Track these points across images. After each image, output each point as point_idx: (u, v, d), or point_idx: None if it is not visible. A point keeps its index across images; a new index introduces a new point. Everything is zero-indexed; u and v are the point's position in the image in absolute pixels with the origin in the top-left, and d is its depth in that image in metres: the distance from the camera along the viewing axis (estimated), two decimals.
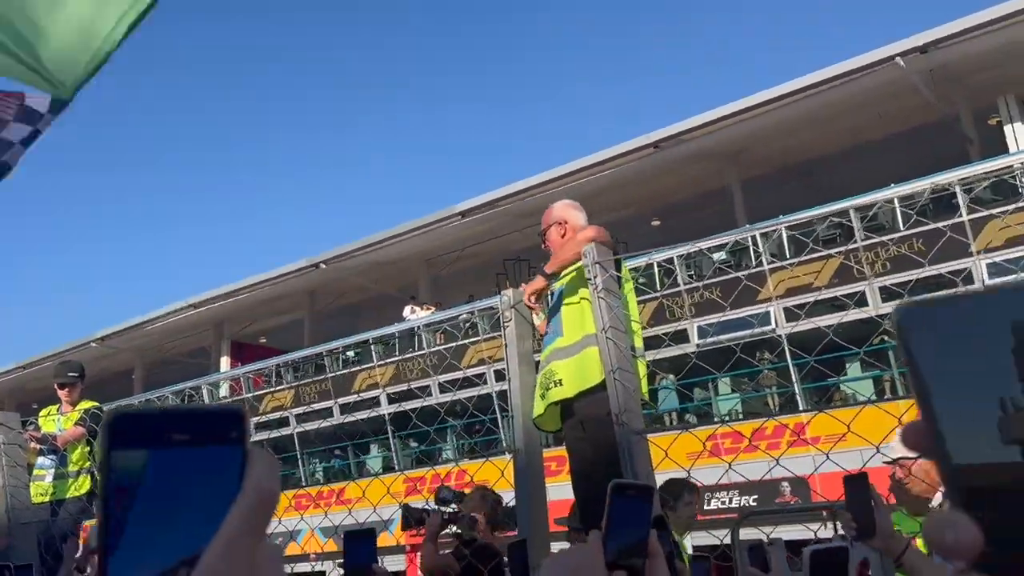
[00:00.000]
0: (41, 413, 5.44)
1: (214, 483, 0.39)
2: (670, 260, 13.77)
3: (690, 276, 13.95)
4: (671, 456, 2.51)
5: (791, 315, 12.18)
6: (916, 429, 0.41)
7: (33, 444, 4.91)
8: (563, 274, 3.06)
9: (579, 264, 2.88)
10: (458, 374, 15.37)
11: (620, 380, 2.48)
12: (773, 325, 12.44)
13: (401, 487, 12.10)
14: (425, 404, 15.29)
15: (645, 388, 2.92)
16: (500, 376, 13.65)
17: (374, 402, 16.77)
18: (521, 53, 53.77)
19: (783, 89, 14.26)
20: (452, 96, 55.17)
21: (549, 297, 3.21)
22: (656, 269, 13.97)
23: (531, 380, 2.98)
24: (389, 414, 16.53)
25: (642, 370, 2.85)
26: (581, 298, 3.00)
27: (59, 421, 5.23)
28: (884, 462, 2.50)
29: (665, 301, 13.56)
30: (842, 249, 12.22)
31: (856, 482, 1.77)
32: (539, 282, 3.04)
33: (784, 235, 12.96)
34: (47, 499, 4.99)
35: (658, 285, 13.84)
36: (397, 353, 17.31)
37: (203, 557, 0.37)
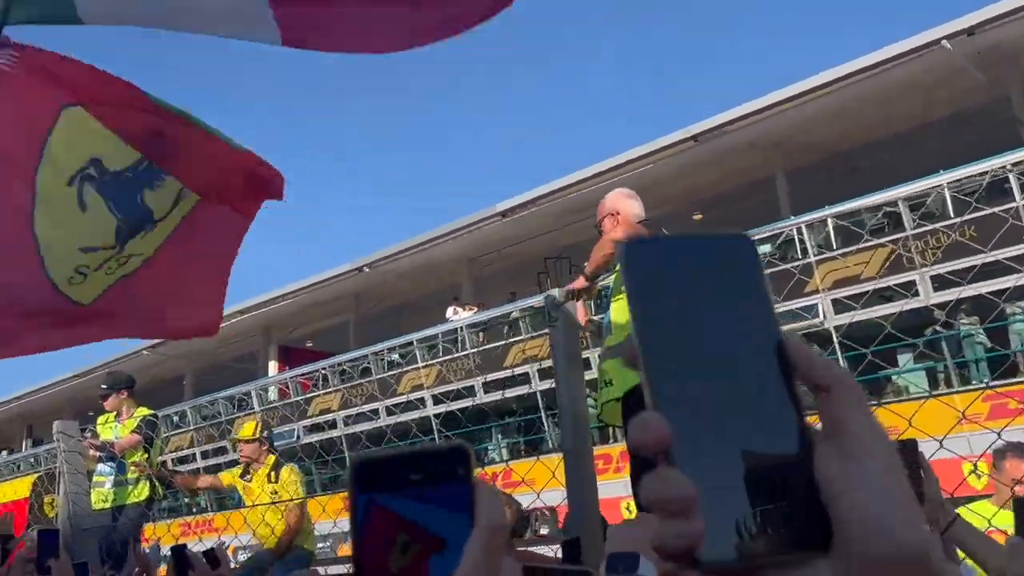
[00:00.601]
0: (99, 420, 5.58)
1: (448, 518, 0.42)
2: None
3: None
4: None
5: (839, 307, 11.95)
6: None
7: (92, 451, 5.03)
8: (615, 267, 3.03)
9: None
10: (502, 373, 15.39)
11: None
12: (821, 317, 12.22)
13: None
14: (470, 405, 15.34)
15: None
16: (544, 375, 13.63)
17: (419, 403, 16.88)
18: (552, 52, 53.67)
19: (827, 77, 13.99)
20: (489, 95, 55.28)
21: (604, 293, 3.19)
22: None
23: (579, 379, 2.95)
24: (435, 415, 16.61)
25: None
26: (625, 297, 2.97)
27: (116, 429, 5.35)
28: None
29: None
30: (891, 238, 11.94)
31: (905, 449, 1.71)
32: (579, 282, 3.03)
33: (831, 225, 12.71)
34: (108, 506, 5.11)
35: None
36: (441, 354, 17.39)
37: None
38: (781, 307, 12.38)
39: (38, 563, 1.94)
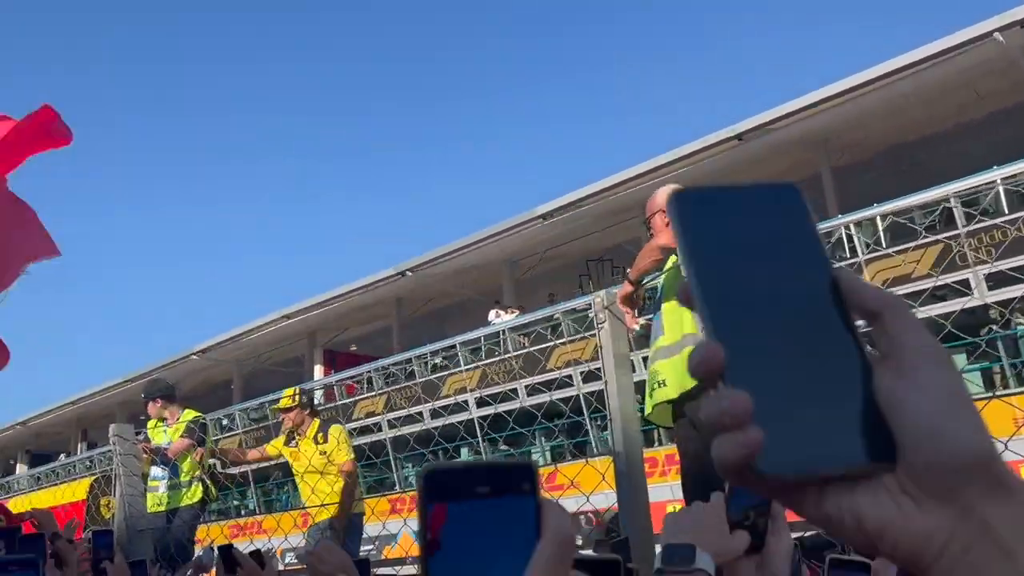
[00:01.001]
0: (148, 425, 5.69)
1: (513, 531, 0.43)
2: None
3: None
4: None
5: None
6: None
7: (146, 454, 5.14)
8: (664, 269, 3.00)
9: (673, 261, 2.81)
10: (546, 376, 15.36)
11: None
12: None
13: None
14: (514, 407, 15.34)
15: None
16: (588, 377, 13.58)
17: (463, 406, 16.94)
18: (599, 52, 53.49)
19: (875, 72, 13.72)
20: (529, 95, 55.32)
21: (654, 293, 3.16)
22: None
23: (628, 381, 2.93)
24: (479, 417, 16.65)
25: None
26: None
27: (166, 433, 5.46)
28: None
29: None
30: (943, 236, 11.66)
31: None
32: (626, 288, 2.99)
33: (880, 223, 12.46)
34: (163, 509, 5.21)
35: None
36: (483, 357, 17.43)
37: None
38: None
39: (93, 563, 1.97)
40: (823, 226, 13.02)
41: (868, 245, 12.49)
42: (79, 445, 28.52)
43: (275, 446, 5.40)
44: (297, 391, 5.40)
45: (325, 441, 5.15)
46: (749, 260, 0.44)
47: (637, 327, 3.02)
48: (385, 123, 56.82)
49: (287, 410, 5.25)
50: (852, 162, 15.92)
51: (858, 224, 12.56)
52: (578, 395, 14.14)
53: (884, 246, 12.29)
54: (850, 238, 12.68)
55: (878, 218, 12.37)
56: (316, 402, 19.88)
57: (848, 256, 12.53)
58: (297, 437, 5.24)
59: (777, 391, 0.41)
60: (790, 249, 0.45)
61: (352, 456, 5.15)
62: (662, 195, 3.37)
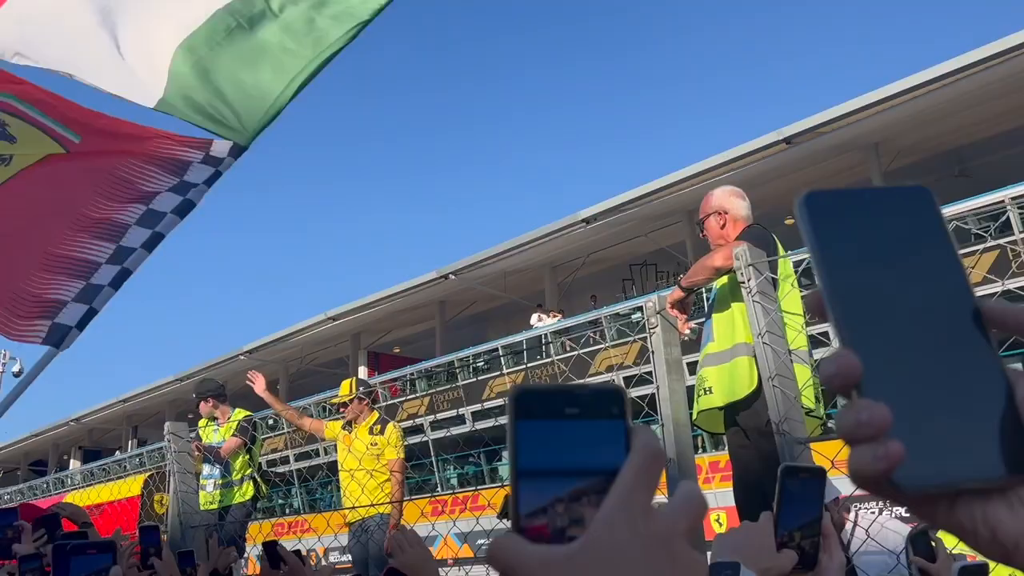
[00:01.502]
0: (200, 424, 5.77)
1: (603, 450, 0.43)
2: (804, 259, 13.20)
3: None
4: (838, 465, 2.37)
5: None
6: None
7: (197, 453, 5.22)
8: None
9: (729, 269, 2.79)
10: (590, 380, 15.28)
11: (779, 387, 2.38)
12: None
13: None
14: None
15: (811, 393, 2.75)
16: (628, 382, 13.48)
17: (504, 410, 16.94)
18: (641, 50, 53.20)
19: (927, 75, 13.39)
20: (571, 98, 55.22)
21: (706, 297, 3.12)
22: (792, 270, 13.42)
23: (680, 387, 2.90)
24: None
25: (805, 374, 2.69)
26: (733, 303, 2.90)
27: (218, 432, 5.54)
28: None
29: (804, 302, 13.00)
30: (998, 242, 11.34)
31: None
32: (676, 293, 2.96)
33: None
34: (215, 506, 5.29)
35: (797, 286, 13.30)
36: (525, 360, 17.43)
37: (603, 505, 0.41)
38: None
39: (141, 558, 2.01)
40: None
41: None
42: (130, 442, 29.18)
43: (332, 428, 5.41)
44: (353, 383, 5.37)
45: (380, 433, 5.16)
46: (882, 266, 0.43)
47: (689, 332, 3.00)
48: (433, 130, 57.23)
49: (345, 405, 5.26)
50: (903, 166, 15.58)
51: None
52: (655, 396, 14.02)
53: None
54: None
55: None
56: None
57: None
58: (354, 425, 5.25)
59: (914, 402, 0.40)
60: (923, 254, 0.44)
61: (402, 456, 5.16)
62: (717, 196, 3.30)
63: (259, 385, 5.33)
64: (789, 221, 18.61)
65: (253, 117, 2.48)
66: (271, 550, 2.11)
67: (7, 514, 2.14)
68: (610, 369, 14.97)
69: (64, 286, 2.60)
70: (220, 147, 2.62)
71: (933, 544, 1.69)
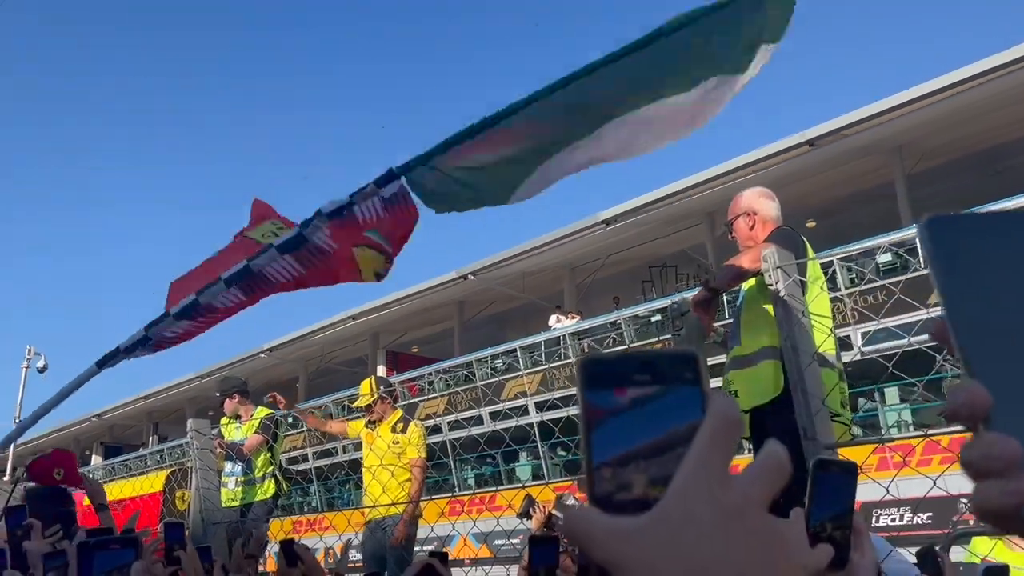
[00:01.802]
0: (222, 421, 5.80)
1: (677, 417, 0.41)
2: (829, 263, 13.09)
3: (851, 280, 13.22)
4: (865, 471, 2.34)
5: None
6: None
7: (219, 450, 5.26)
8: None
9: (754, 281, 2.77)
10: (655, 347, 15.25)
11: (805, 391, 2.36)
12: None
13: (550, 496, 12.10)
14: (572, 413, 15.26)
15: (837, 397, 2.72)
16: None
17: (522, 410, 16.94)
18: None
19: (952, 77, 13.25)
20: None
21: (732, 300, 3.10)
22: None
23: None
24: (537, 422, 16.64)
25: (832, 379, 2.66)
26: (760, 306, 2.87)
27: (240, 430, 5.57)
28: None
29: None
30: None
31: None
32: (702, 294, 2.94)
33: None
34: (237, 503, 5.32)
35: None
36: (544, 361, 17.42)
37: (677, 474, 0.40)
38: (903, 320, 11.77)
39: (166, 553, 2.03)
40: (897, 235, 12.67)
41: None
42: (151, 438, 29.45)
43: (355, 427, 5.42)
44: (373, 382, 5.36)
45: (403, 432, 5.15)
46: (1010, 295, 0.42)
47: (715, 335, 2.97)
48: (450, 124, 57.35)
49: (368, 407, 5.25)
50: (928, 168, 15.42)
51: None
52: None
53: None
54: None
55: None
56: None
57: (922, 267, 12.11)
58: (376, 424, 5.25)
59: None
60: None
61: (424, 455, 5.15)
62: (747, 197, 3.27)
63: (282, 407, 5.39)
64: (811, 224, 18.49)
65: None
66: (288, 548, 2.12)
67: (18, 513, 2.15)
68: None
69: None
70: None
71: (940, 560, 1.67)
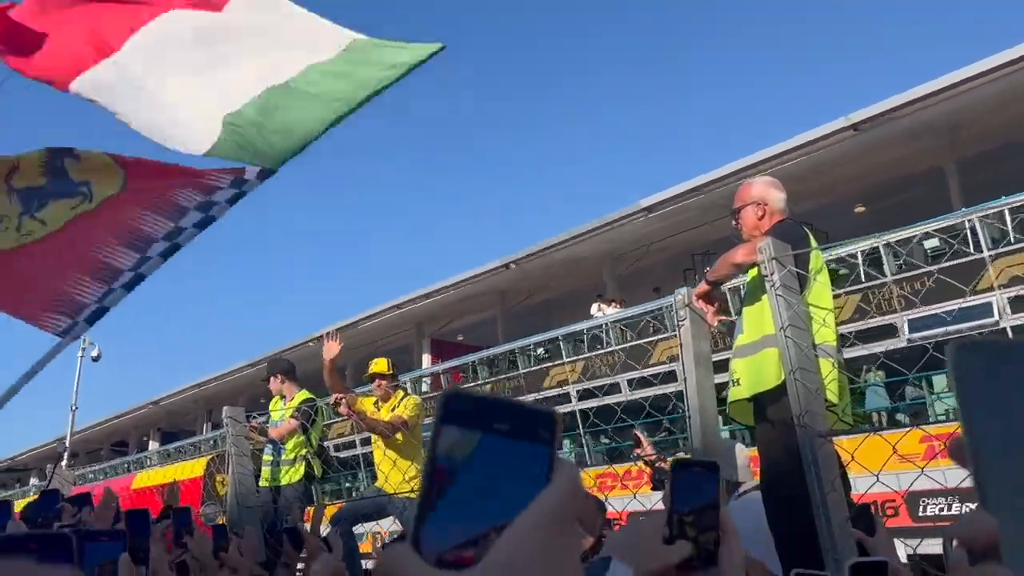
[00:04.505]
0: (271, 404, 6.01)
1: (523, 474, 0.41)
2: (875, 249, 12.83)
3: (899, 266, 12.94)
4: (858, 460, 2.36)
5: (1017, 305, 10.98)
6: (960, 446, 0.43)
7: (253, 433, 5.44)
8: (748, 273, 2.95)
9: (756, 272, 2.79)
10: (646, 371, 15.22)
11: (801, 381, 2.38)
12: (996, 317, 11.26)
13: (593, 482, 12.13)
14: (614, 401, 15.26)
15: (835, 388, 2.73)
16: None
17: (564, 398, 16.99)
18: (699, 39, 52.25)
19: (1006, 56, 12.80)
20: (635, 88, 54.62)
21: (738, 292, 3.13)
22: (860, 259, 13.06)
23: (708, 380, 2.91)
24: (579, 410, 16.67)
25: (827, 368, 2.67)
26: (761, 296, 2.89)
27: (282, 411, 5.75)
28: None
29: (871, 293, 12.65)
30: None
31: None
32: (702, 287, 2.97)
33: (1008, 217, 11.69)
34: (266, 484, 5.50)
35: (862, 276, 12.94)
36: (586, 350, 17.43)
37: (507, 533, 0.40)
38: (951, 305, 11.48)
39: (175, 537, 2.14)
40: (946, 219, 12.35)
41: (994, 240, 11.75)
42: (205, 425, 30.27)
43: (364, 402, 5.61)
44: (390, 363, 5.54)
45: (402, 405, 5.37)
46: None
47: (718, 324, 3.00)
48: (493, 118, 57.42)
49: (382, 376, 5.43)
50: (979, 153, 14.96)
51: (984, 218, 11.83)
52: (683, 390, 13.91)
53: (1012, 241, 11.52)
54: (975, 232, 11.95)
55: (1006, 211, 11.61)
56: (423, 390, 20.35)
57: (972, 251, 11.81)
58: (381, 404, 5.45)
59: None
60: None
61: (414, 415, 5.29)
62: (757, 186, 3.27)
63: (329, 350, 5.50)
64: (860, 209, 18.10)
65: (287, 146, 2.74)
66: (292, 533, 2.23)
67: (50, 497, 2.28)
68: (671, 359, 14.87)
69: (89, 287, 2.90)
70: (250, 171, 2.89)
71: (874, 519, 1.66)
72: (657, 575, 0.89)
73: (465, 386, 19.66)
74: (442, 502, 0.41)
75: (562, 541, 0.40)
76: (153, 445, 31.57)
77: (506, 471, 0.41)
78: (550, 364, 17.98)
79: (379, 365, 5.54)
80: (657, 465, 3.79)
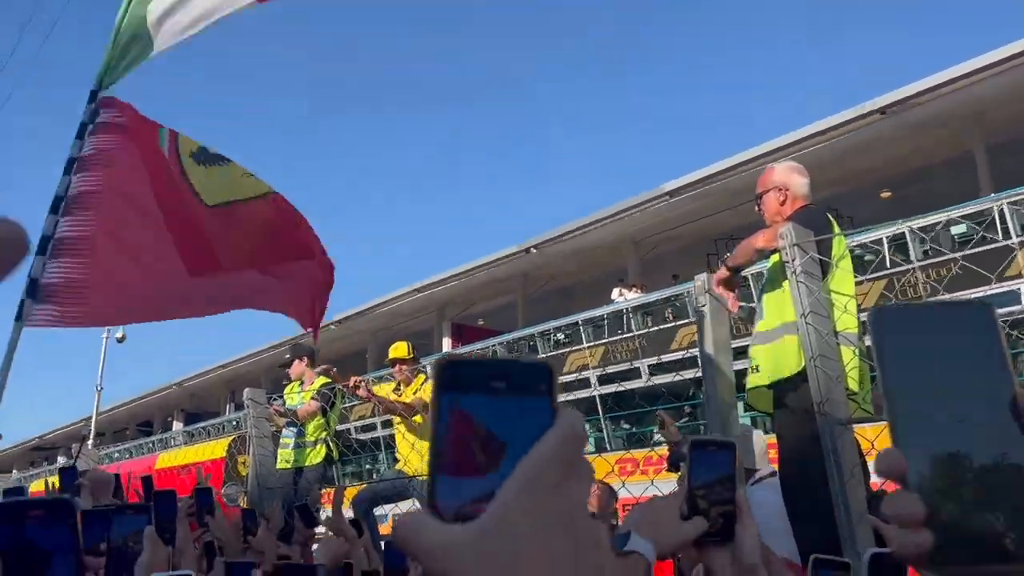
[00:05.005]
0: (286, 389, 6.07)
1: (523, 428, 0.42)
2: (901, 235, 12.66)
3: (924, 252, 12.77)
4: (879, 449, 2.33)
5: None
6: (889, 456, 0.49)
7: (276, 416, 5.50)
8: (769, 259, 2.93)
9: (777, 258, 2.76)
10: (667, 357, 15.18)
11: (821, 368, 2.35)
12: (1023, 305, 11.10)
13: (612, 467, 12.13)
14: (634, 386, 15.24)
15: (856, 376, 2.70)
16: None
17: (584, 383, 16.99)
18: (723, 14, 51.55)
19: None
20: (658, 70, 54.14)
21: (758, 279, 3.10)
22: (886, 245, 12.90)
23: (727, 367, 2.89)
24: (599, 395, 16.67)
25: (848, 355, 2.64)
26: (782, 283, 2.87)
27: (300, 395, 5.81)
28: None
29: (896, 279, 12.50)
30: None
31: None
32: (722, 273, 2.94)
33: None
34: (290, 466, 5.56)
35: (887, 263, 12.79)
36: (606, 335, 17.39)
37: (505, 482, 0.40)
38: (978, 292, 11.32)
39: (197, 516, 2.18)
40: (975, 205, 12.16)
41: (1023, 227, 11.56)
42: (227, 406, 30.61)
43: (383, 388, 5.63)
44: (410, 346, 5.55)
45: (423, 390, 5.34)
46: (938, 373, 0.49)
47: (738, 310, 2.98)
48: (518, 102, 57.18)
49: (403, 360, 5.44)
50: (1010, 139, 14.69)
51: (1013, 204, 11.63)
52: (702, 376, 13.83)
53: None
54: (1003, 218, 11.76)
55: None
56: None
57: (1000, 239, 11.63)
58: (403, 387, 5.45)
59: (952, 497, 0.47)
60: (978, 366, 0.50)
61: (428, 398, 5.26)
62: (780, 171, 3.23)
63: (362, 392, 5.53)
64: (886, 195, 17.86)
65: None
66: (304, 511, 2.26)
67: (70, 473, 2.32)
68: (692, 345, 14.79)
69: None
70: None
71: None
72: (675, 550, 0.91)
73: None
74: (452, 465, 0.41)
75: (565, 484, 0.41)
76: (177, 425, 32.00)
77: (510, 427, 0.42)
78: (570, 349, 17.97)
79: (399, 350, 5.55)
80: (674, 449, 3.79)
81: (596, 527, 0.42)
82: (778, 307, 2.83)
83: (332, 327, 25.05)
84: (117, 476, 2.53)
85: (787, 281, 2.78)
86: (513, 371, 0.43)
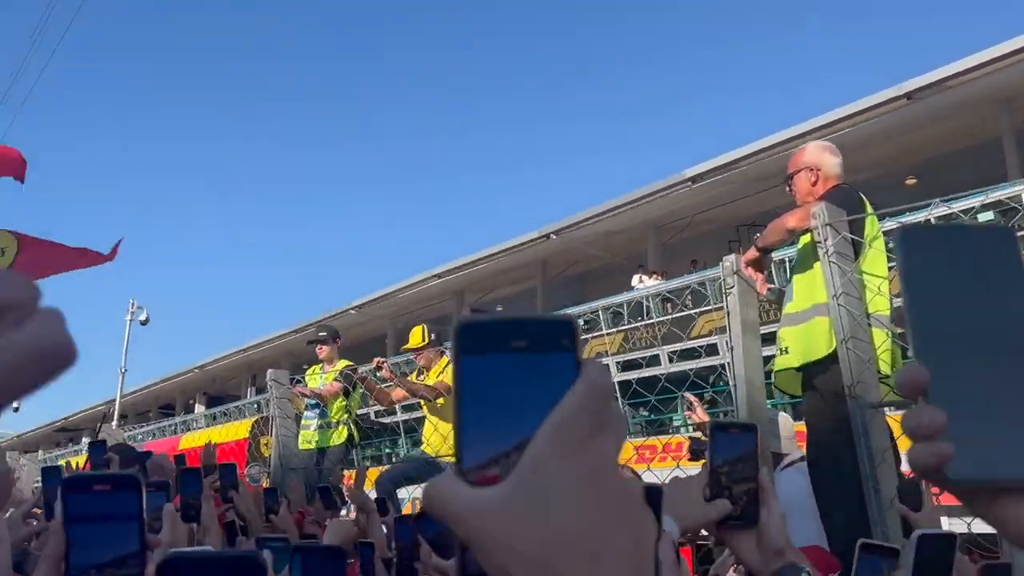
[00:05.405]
0: (308, 372, 6.12)
1: (549, 385, 0.41)
2: (927, 221, 12.50)
3: None
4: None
5: None
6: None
7: (300, 396, 5.55)
8: (800, 241, 2.89)
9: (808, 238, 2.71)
10: (688, 343, 15.11)
11: (853, 350, 2.32)
12: None
13: (632, 454, 12.11)
14: (655, 373, 15.18)
15: (887, 359, 2.65)
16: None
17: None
18: (753, 10, 50.92)
19: None
20: (681, 55, 53.69)
21: (785, 263, 3.07)
22: None
23: (755, 348, 2.86)
24: (619, 382, 16.63)
25: (880, 338, 2.60)
26: (813, 263, 2.82)
27: (322, 378, 5.85)
28: None
29: None
30: None
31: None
32: (751, 253, 2.90)
33: None
34: (312, 447, 5.60)
35: None
36: (626, 321, 17.33)
37: (532, 441, 0.39)
38: None
39: (220, 493, 2.19)
40: (1001, 192, 11.97)
41: None
42: (249, 389, 30.90)
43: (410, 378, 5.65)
44: (425, 330, 5.53)
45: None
46: (960, 293, 0.51)
47: (767, 292, 2.94)
48: (535, 88, 56.93)
49: (417, 350, 5.46)
50: None
51: None
52: (726, 363, 13.77)
53: None
54: None
55: None
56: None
57: None
58: (425, 373, 5.45)
59: (970, 410, 0.49)
60: (998, 287, 0.52)
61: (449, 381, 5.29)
62: (811, 151, 3.19)
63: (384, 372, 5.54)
64: (911, 181, 17.62)
65: None
66: (326, 493, 2.26)
67: (98, 448, 2.34)
68: (713, 332, 14.71)
69: None
70: None
71: (921, 492, 1.63)
72: (698, 528, 0.92)
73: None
74: (477, 429, 0.41)
75: (594, 438, 0.40)
76: (199, 408, 32.34)
77: (535, 386, 0.41)
78: (590, 336, 17.93)
79: (414, 337, 5.55)
80: (694, 436, 3.80)
81: (627, 480, 0.41)
82: (809, 288, 2.79)
83: (352, 312, 25.18)
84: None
85: (818, 262, 2.74)
86: (534, 328, 0.41)
